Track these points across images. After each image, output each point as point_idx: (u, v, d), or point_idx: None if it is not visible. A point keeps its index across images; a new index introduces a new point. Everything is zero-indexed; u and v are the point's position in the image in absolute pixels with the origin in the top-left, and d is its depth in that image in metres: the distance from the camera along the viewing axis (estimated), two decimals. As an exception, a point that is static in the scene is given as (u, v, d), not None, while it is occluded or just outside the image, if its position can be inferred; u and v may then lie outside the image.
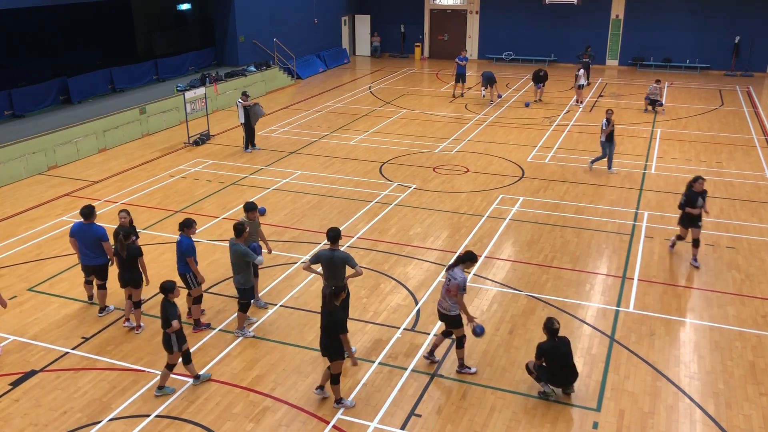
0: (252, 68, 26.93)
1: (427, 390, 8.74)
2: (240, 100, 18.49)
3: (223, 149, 19.26)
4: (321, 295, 9.33)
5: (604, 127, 16.47)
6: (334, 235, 9.03)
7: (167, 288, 8.38)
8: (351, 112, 23.75)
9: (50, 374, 9.10)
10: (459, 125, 21.71)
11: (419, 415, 8.27)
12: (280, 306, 10.76)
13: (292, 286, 11.28)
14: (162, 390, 8.64)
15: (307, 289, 11.29)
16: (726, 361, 9.33)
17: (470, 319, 8.68)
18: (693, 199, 11.83)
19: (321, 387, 8.56)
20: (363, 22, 36.63)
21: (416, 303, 10.83)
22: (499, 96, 25.64)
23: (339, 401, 8.41)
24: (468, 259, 8.68)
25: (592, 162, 17.14)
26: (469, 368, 9.06)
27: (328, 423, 8.13)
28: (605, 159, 16.93)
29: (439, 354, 9.36)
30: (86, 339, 9.90)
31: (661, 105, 23.17)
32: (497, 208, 14.66)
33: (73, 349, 9.67)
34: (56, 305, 10.85)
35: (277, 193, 15.74)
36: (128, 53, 27.56)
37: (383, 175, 16.84)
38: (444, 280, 8.78)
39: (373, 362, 9.30)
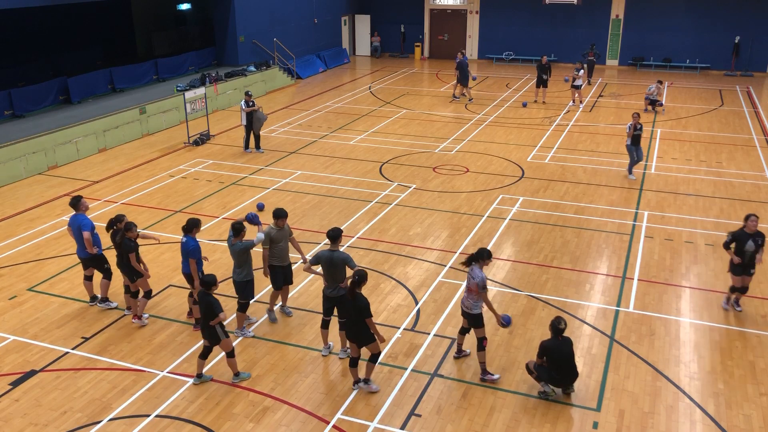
0: (252, 68, 26.94)
1: (427, 390, 8.74)
2: (243, 105, 18.36)
3: (223, 149, 19.26)
4: (322, 296, 9.33)
5: (627, 131, 16.18)
6: (334, 235, 9.01)
7: (210, 282, 8.42)
8: (351, 112, 23.75)
9: (50, 374, 9.10)
10: (459, 125, 21.71)
11: (419, 415, 8.27)
12: (281, 306, 10.74)
13: (292, 286, 11.26)
14: (239, 376, 8.86)
15: (307, 289, 11.29)
16: (726, 361, 9.33)
17: (496, 315, 8.66)
18: (742, 240, 10.07)
19: (357, 381, 8.69)
20: (363, 22, 36.64)
21: (416, 303, 10.83)
22: (455, 97, 25.56)
23: (367, 381, 8.59)
24: (480, 257, 8.59)
25: (629, 170, 16.55)
26: (492, 375, 8.88)
27: (328, 423, 8.13)
28: (638, 161, 16.47)
29: (467, 346, 9.33)
30: (86, 339, 9.90)
31: (661, 105, 23.17)
32: (497, 208, 14.66)
33: (73, 349, 9.67)
34: (56, 305, 10.85)
35: (277, 193, 15.74)
36: (128, 53, 27.57)
37: (383, 175, 16.84)
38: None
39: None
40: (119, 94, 22.91)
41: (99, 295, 10.84)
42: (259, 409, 8.38)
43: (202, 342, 8.84)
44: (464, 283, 8.91)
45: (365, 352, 8.59)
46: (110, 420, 8.19)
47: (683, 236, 13.30)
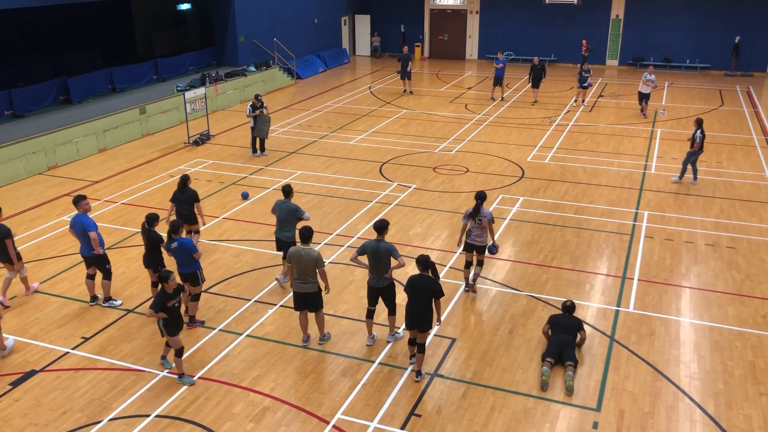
0: (252, 68, 26.94)
1: (427, 390, 8.74)
2: (249, 110, 18.10)
3: (223, 149, 19.26)
4: (367, 287, 9.56)
5: (698, 139, 15.56)
6: (380, 226, 9.31)
7: (165, 277, 8.61)
8: (351, 112, 23.75)
9: (50, 374, 9.10)
10: (459, 125, 21.71)
11: (419, 415, 8.27)
12: (280, 306, 10.76)
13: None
14: (182, 378, 8.93)
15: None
16: (726, 361, 9.33)
17: (494, 240, 10.91)
18: None
19: (414, 355, 9.14)
20: (363, 22, 36.64)
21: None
22: (411, 92, 26.61)
23: (419, 373, 8.92)
24: (484, 198, 10.57)
25: (695, 178, 16.19)
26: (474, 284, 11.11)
27: (328, 423, 8.13)
28: (689, 170, 16.18)
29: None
30: (86, 339, 9.91)
31: (648, 103, 22.70)
32: (497, 208, 14.66)
33: (73, 349, 9.67)
34: (56, 305, 10.85)
35: (277, 193, 15.74)
36: (128, 53, 27.57)
37: (383, 175, 16.84)
38: (471, 224, 10.66)
39: (373, 362, 9.30)
40: (119, 94, 22.91)
41: (100, 295, 10.86)
42: (259, 409, 8.38)
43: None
44: (472, 226, 10.64)
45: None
46: (110, 420, 8.19)
47: (683, 236, 13.30)
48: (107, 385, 8.84)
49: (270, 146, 19.32)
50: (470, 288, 11.15)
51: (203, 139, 19.89)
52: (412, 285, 8.72)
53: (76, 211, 10.43)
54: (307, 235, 9.20)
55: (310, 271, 9.19)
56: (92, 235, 10.18)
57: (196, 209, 11.70)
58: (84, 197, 10.52)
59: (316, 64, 31.96)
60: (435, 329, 9.93)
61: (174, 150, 19.29)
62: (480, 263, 11.06)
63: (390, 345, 9.70)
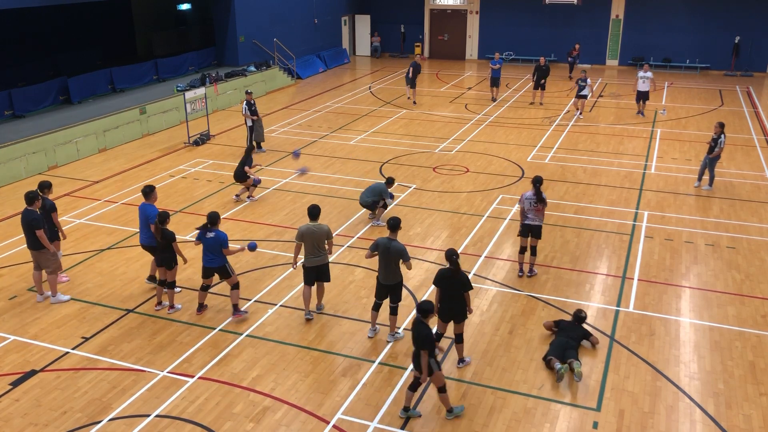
0: (252, 68, 26.95)
1: (427, 390, 8.74)
2: (245, 109, 18.39)
3: (223, 149, 19.26)
4: (376, 283, 9.67)
5: (722, 144, 15.41)
6: (393, 224, 9.41)
7: (428, 310, 7.79)
8: (351, 112, 23.75)
9: (50, 374, 9.10)
10: (459, 125, 21.71)
11: (419, 415, 8.26)
12: (280, 306, 10.76)
13: (292, 286, 11.28)
14: (452, 412, 8.18)
15: (307, 289, 11.28)
16: (726, 361, 9.33)
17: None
18: None
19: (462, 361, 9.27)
20: (363, 22, 36.65)
21: (416, 303, 10.82)
22: (412, 101, 24.95)
23: (462, 360, 9.16)
24: (539, 182, 11.22)
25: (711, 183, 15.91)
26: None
27: (328, 423, 8.13)
28: (706, 175, 15.96)
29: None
30: (86, 339, 9.91)
31: (646, 102, 22.71)
32: (497, 208, 14.66)
33: (73, 349, 9.67)
34: (56, 305, 10.85)
35: (277, 193, 15.74)
36: (128, 53, 27.60)
37: (383, 175, 16.83)
38: (523, 205, 11.35)
39: (373, 362, 9.30)
40: (119, 94, 22.92)
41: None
42: (259, 409, 8.38)
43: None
44: (528, 209, 11.31)
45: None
46: (110, 420, 8.19)
47: (683, 236, 13.30)
48: (107, 385, 8.84)
49: (270, 146, 19.33)
50: (531, 274, 11.72)
51: (203, 139, 19.89)
52: (440, 278, 8.86)
53: (144, 200, 10.84)
54: (315, 213, 9.85)
55: (321, 244, 9.88)
56: (153, 227, 10.52)
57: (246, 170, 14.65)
58: (154, 188, 10.92)
59: (316, 64, 31.97)
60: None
61: (174, 150, 19.29)
62: (533, 251, 11.60)
63: (390, 345, 9.70)
